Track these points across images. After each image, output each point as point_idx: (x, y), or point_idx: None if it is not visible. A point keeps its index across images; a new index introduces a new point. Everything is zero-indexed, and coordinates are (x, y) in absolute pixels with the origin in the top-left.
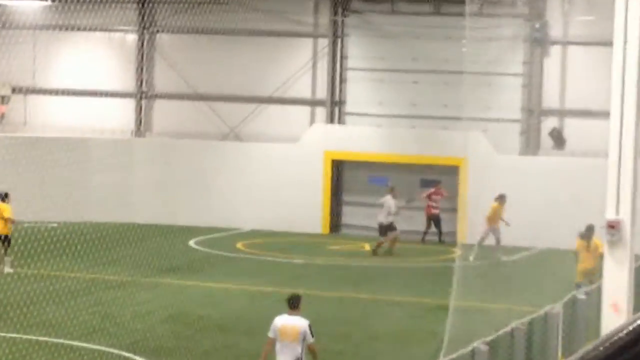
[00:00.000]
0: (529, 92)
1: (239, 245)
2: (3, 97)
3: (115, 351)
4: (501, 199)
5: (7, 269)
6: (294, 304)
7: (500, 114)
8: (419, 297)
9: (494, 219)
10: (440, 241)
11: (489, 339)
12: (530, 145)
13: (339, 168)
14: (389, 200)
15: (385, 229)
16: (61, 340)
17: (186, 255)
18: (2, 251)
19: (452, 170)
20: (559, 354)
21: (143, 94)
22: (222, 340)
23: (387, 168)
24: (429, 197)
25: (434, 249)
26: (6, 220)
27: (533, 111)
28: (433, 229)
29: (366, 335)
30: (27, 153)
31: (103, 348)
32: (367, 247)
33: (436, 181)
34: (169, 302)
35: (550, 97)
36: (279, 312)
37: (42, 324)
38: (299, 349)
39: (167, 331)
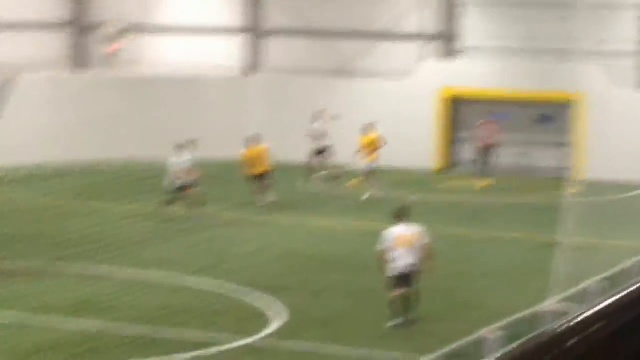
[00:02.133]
0: None
1: (352, 182)
2: (115, 36)
3: (234, 286)
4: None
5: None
6: (404, 215)
7: (616, 47)
8: (531, 234)
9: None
10: (483, 173)
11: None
12: None
13: (452, 104)
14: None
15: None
16: (178, 274)
17: (299, 193)
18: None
19: (569, 105)
20: None
21: (254, 31)
22: (337, 276)
23: (503, 104)
24: (477, 129)
25: (546, 185)
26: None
27: None
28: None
29: (478, 273)
30: (139, 91)
31: (220, 282)
32: (480, 184)
33: (501, 115)
34: (282, 240)
35: None
36: None
37: (158, 260)
38: (416, 253)
39: (282, 268)
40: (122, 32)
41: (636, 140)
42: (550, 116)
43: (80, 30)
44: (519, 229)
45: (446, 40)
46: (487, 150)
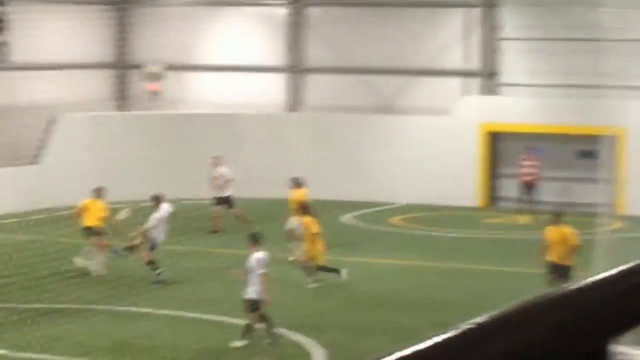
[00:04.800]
0: None
1: (394, 219)
2: (157, 75)
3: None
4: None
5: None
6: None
7: None
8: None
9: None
10: (533, 211)
11: None
12: None
13: (493, 140)
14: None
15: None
16: (219, 317)
17: (341, 231)
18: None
19: (610, 141)
20: None
21: (295, 68)
22: (379, 315)
23: (543, 139)
24: (521, 164)
25: (587, 221)
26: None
27: None
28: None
29: None
30: (180, 129)
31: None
32: (523, 219)
33: (539, 150)
34: (325, 278)
35: None
36: (436, 287)
37: (199, 301)
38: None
39: (324, 307)
40: (165, 71)
41: None
42: (591, 151)
43: (123, 70)
44: None
45: (487, 76)
46: (530, 186)
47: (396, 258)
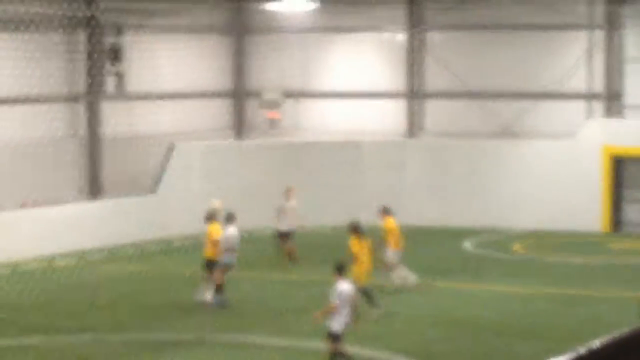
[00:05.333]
0: None
1: (515, 246)
2: (274, 102)
3: (387, 356)
4: (386, 212)
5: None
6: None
7: None
8: None
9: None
10: None
11: None
12: None
13: (618, 164)
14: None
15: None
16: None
17: (461, 258)
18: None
19: None
20: None
21: (414, 94)
22: (496, 344)
23: None
24: None
25: None
26: (214, 243)
27: None
28: None
29: None
30: (301, 157)
31: (375, 353)
32: None
33: None
34: (443, 306)
35: None
36: (557, 315)
37: (315, 331)
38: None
39: (440, 335)
40: (283, 98)
41: None
42: None
43: (241, 98)
44: None
45: (611, 99)
46: None
47: (518, 285)
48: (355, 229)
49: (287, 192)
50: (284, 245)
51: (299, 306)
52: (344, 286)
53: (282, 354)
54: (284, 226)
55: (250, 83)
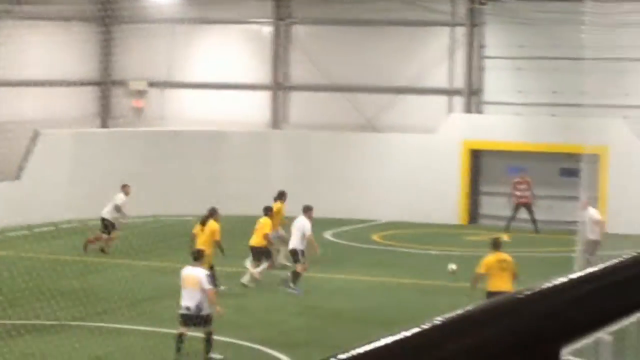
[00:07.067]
0: None
1: (375, 237)
2: (140, 92)
3: (248, 344)
4: (282, 197)
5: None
6: (196, 257)
7: None
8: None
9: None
10: (537, 230)
11: (614, 328)
12: None
13: (477, 158)
14: (302, 222)
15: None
16: (194, 334)
17: (322, 248)
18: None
19: (593, 159)
20: None
21: (279, 86)
22: (356, 333)
23: (526, 157)
24: (514, 186)
25: (565, 239)
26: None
27: None
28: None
29: None
30: (164, 147)
31: (235, 341)
32: (506, 237)
33: (521, 169)
34: (304, 295)
35: None
36: (416, 304)
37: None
38: (198, 295)
39: (301, 324)
40: (148, 88)
41: None
42: (574, 170)
43: (107, 87)
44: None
45: (471, 94)
46: (520, 207)
47: (376, 275)
48: (212, 214)
49: (124, 188)
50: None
51: (158, 293)
52: (205, 272)
53: (140, 338)
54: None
55: (117, 72)
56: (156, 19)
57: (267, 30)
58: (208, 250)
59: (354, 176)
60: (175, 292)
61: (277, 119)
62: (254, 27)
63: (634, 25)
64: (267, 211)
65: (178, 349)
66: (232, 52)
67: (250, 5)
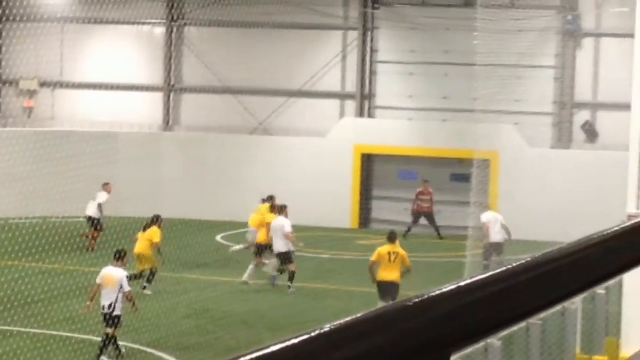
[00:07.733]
0: (561, 85)
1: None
2: (31, 92)
3: (137, 347)
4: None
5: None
6: (118, 257)
7: (532, 107)
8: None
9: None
10: (440, 237)
11: (504, 333)
12: (562, 139)
13: (368, 162)
14: (282, 222)
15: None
16: (84, 336)
17: (213, 251)
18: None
19: (483, 165)
20: (577, 350)
21: (171, 88)
22: (246, 336)
23: (418, 162)
24: (416, 196)
25: (454, 244)
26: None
27: (565, 104)
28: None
29: None
30: (55, 148)
31: (126, 344)
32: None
33: (425, 181)
34: (194, 298)
35: (583, 90)
36: (306, 308)
37: (65, 320)
38: (114, 296)
39: (191, 327)
40: (39, 88)
41: (547, 200)
42: (464, 175)
43: None
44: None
45: (363, 99)
46: (421, 215)
47: (265, 278)
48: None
49: (105, 187)
50: None
51: (48, 295)
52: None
53: (30, 341)
54: None
55: (7, 71)
56: (48, 18)
57: (160, 31)
58: (147, 253)
59: (246, 179)
60: (66, 294)
61: (169, 120)
62: (147, 28)
63: (526, 32)
64: (269, 201)
65: (101, 349)
66: (125, 53)
67: (143, 6)
